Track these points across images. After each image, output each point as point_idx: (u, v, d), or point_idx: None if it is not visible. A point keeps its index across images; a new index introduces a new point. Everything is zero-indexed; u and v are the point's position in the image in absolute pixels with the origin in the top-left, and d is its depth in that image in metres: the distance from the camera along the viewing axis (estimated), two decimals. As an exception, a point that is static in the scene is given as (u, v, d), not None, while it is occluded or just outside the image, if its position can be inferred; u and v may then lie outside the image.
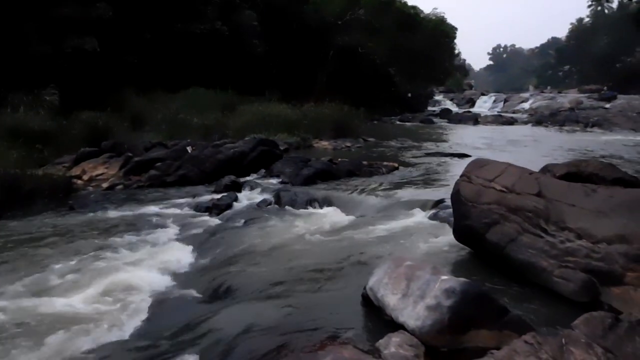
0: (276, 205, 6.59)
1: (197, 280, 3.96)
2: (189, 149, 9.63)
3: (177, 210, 6.52)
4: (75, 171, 8.71)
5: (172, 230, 5.62)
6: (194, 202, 6.83)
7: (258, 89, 18.85)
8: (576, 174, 4.95)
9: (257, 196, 7.12)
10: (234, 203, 6.73)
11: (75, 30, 14.51)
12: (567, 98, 31.42)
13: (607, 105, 25.35)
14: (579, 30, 59.14)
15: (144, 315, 3.41)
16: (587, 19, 57.26)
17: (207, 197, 7.03)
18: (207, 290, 3.77)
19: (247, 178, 8.34)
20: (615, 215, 3.41)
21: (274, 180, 8.19)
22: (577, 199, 3.68)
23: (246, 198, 7.04)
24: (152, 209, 6.61)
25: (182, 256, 4.68)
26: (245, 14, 21.20)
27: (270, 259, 4.38)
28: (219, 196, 6.97)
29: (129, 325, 3.28)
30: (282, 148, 10.58)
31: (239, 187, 7.61)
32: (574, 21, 60.61)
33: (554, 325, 2.96)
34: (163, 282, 3.98)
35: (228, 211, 6.43)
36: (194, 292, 3.74)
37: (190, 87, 16.48)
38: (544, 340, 2.09)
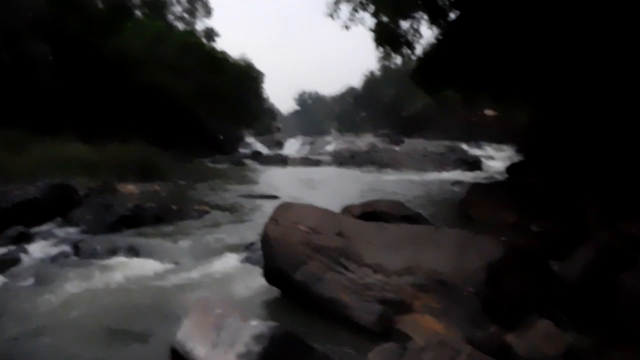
0: (75, 257, 6.02)
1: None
2: (-37, 196, 8.28)
3: (-55, 272, 5.51)
4: None
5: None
6: (-31, 259, 5.86)
7: (53, 127, 17.13)
8: (371, 212, 5.50)
9: (52, 248, 6.38)
10: (23, 258, 5.94)
11: None
12: (364, 141, 34.57)
13: (397, 148, 28.56)
14: (371, 81, 66.02)
15: None
16: (377, 72, 64.33)
17: (-13, 253, 6.09)
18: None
19: (41, 228, 7.44)
20: (403, 250, 3.84)
21: (73, 229, 7.45)
22: (372, 236, 4.06)
23: (39, 251, 6.27)
24: None
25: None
26: (34, 44, 19.26)
27: (68, 320, 3.94)
28: (4, 250, 6.11)
29: None
30: (82, 193, 9.68)
31: (29, 239, 6.76)
32: (367, 73, 67.43)
33: (357, 357, 3.19)
34: None
35: (15, 267, 5.63)
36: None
37: (-37, 124, 14.26)
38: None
